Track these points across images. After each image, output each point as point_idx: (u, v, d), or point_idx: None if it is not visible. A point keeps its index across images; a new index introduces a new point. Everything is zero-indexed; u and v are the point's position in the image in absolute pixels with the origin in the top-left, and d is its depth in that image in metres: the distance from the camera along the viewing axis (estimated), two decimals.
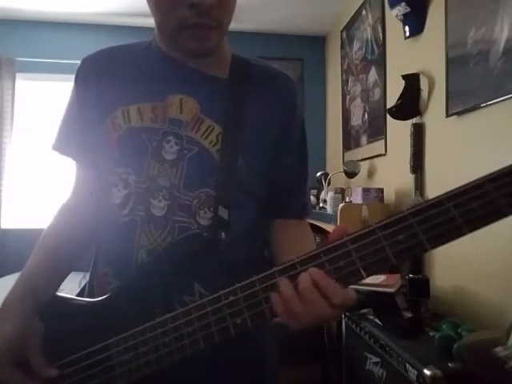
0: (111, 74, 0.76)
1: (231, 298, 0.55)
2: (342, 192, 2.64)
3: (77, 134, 0.78)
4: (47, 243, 0.77)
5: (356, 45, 2.80)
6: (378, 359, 1.44)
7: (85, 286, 0.81)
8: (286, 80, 0.81)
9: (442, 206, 0.46)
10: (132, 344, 0.60)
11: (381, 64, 2.39)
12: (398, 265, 0.49)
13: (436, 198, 0.46)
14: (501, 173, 0.43)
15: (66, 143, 0.81)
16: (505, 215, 0.43)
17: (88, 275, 0.80)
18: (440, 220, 0.46)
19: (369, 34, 2.57)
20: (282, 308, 0.52)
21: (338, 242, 0.51)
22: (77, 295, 0.78)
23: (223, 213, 0.69)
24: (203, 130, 0.71)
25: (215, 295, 0.56)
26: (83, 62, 0.79)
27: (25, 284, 0.71)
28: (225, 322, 0.55)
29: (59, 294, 0.72)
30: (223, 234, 0.69)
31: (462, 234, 0.45)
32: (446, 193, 0.46)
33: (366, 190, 2.16)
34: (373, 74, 2.52)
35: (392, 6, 2.01)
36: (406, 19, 1.99)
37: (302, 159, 0.83)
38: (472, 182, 0.45)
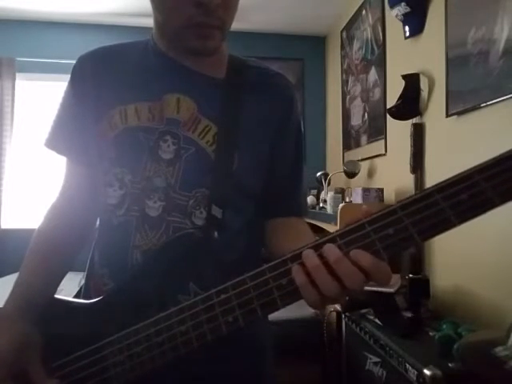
0: (108, 73, 0.75)
1: (222, 296, 0.54)
2: (342, 192, 2.64)
3: (70, 131, 0.78)
4: (40, 247, 0.75)
5: (356, 45, 2.80)
6: (378, 359, 1.44)
7: (82, 286, 0.80)
8: (282, 80, 0.81)
9: (430, 198, 0.45)
10: (125, 344, 0.60)
11: (381, 64, 2.39)
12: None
13: (425, 190, 0.46)
14: (489, 163, 0.43)
15: (58, 140, 0.80)
16: (494, 206, 0.43)
17: None
18: (429, 212, 0.45)
19: (369, 33, 2.57)
20: (305, 278, 0.49)
21: (330, 236, 0.51)
22: (74, 296, 0.78)
23: (217, 212, 0.69)
24: (200, 129, 0.71)
25: (207, 293, 0.56)
26: (80, 59, 0.78)
27: (20, 294, 0.69)
28: (217, 321, 0.54)
29: (56, 296, 0.72)
30: (216, 233, 0.68)
31: (452, 226, 0.45)
32: (435, 185, 0.46)
33: (365, 190, 2.16)
34: (373, 74, 2.52)
35: (392, 6, 2.01)
36: (405, 19, 1.99)
37: (299, 158, 0.83)
38: (461, 174, 0.45)
